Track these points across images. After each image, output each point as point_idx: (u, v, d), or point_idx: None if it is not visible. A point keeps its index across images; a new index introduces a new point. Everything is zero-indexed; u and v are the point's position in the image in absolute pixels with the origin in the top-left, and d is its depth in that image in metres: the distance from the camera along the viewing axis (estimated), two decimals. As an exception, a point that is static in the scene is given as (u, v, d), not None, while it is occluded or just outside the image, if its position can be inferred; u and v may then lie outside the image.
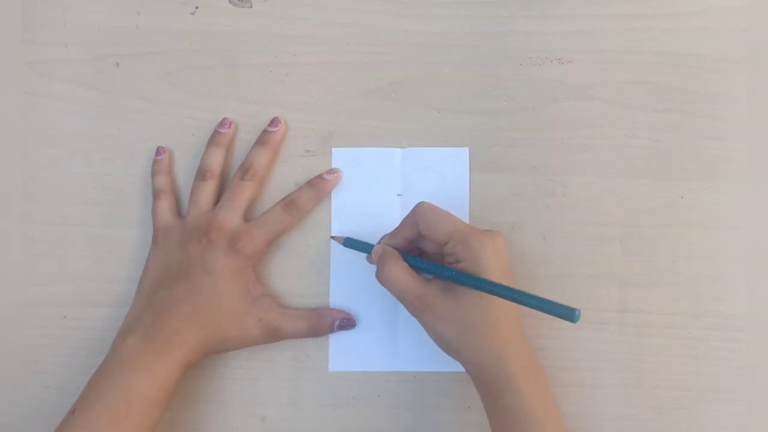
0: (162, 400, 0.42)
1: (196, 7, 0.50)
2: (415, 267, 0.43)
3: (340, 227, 0.48)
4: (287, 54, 0.50)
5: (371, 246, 0.45)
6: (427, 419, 0.47)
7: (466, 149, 0.49)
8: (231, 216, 0.46)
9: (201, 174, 0.48)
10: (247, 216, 0.47)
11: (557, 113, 0.49)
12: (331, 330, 0.47)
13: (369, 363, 0.48)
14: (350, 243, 0.47)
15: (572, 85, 0.49)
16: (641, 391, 0.47)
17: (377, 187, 0.49)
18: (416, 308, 0.42)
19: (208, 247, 0.45)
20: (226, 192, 0.47)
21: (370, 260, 0.46)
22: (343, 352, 0.48)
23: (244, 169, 0.47)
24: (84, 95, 0.50)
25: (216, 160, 0.48)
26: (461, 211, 0.48)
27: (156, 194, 0.48)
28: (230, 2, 0.50)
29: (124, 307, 0.46)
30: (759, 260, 0.48)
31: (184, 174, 0.49)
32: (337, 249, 0.48)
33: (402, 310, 0.47)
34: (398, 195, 0.49)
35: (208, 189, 0.48)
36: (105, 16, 0.50)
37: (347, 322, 0.47)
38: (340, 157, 0.49)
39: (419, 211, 0.43)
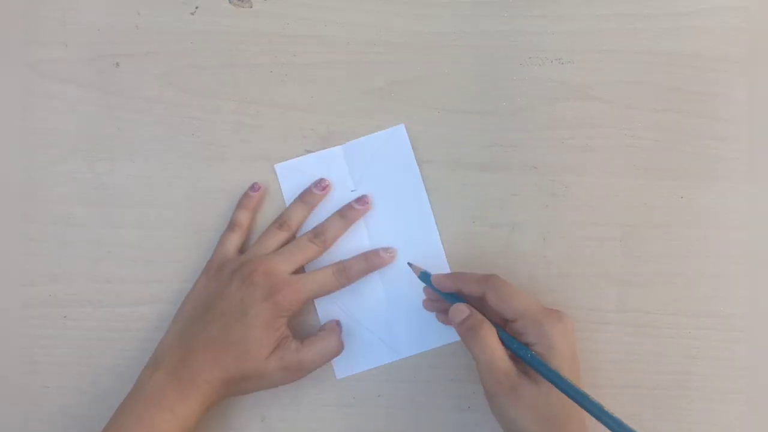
0: None
1: (196, 7, 0.50)
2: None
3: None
4: (287, 54, 0.50)
5: (452, 296, 0.44)
6: (427, 419, 0.47)
7: (402, 125, 0.49)
8: (285, 266, 0.45)
9: (280, 223, 0.47)
10: (298, 270, 0.46)
11: (557, 113, 0.49)
12: (340, 337, 0.46)
13: (372, 360, 0.48)
14: (425, 278, 0.45)
15: (572, 85, 0.49)
16: (641, 391, 0.47)
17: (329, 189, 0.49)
18: (500, 385, 0.40)
19: (249, 288, 0.44)
20: (291, 244, 0.47)
21: (430, 302, 0.46)
22: (346, 358, 0.47)
23: (317, 232, 0.47)
24: (84, 95, 0.50)
25: (297, 216, 0.48)
26: (419, 194, 0.48)
27: (232, 226, 0.48)
28: (230, 2, 0.50)
29: (124, 307, 0.46)
30: (759, 260, 0.48)
31: (184, 173, 0.49)
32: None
33: (388, 300, 0.48)
34: (352, 191, 0.49)
35: (279, 238, 0.47)
36: (105, 16, 0.50)
37: (339, 324, 0.47)
38: (284, 172, 0.49)
39: (492, 282, 0.42)
